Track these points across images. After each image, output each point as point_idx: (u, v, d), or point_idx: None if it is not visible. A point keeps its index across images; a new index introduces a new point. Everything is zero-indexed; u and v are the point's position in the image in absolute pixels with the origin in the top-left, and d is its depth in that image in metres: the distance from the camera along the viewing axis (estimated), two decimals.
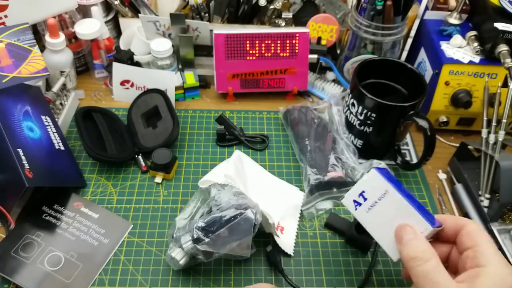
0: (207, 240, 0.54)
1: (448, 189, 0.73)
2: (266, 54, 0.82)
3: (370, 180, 0.54)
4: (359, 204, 0.55)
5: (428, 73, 0.80)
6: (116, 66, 0.81)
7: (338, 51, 0.91)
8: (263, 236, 0.62)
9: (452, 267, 0.50)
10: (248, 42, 0.80)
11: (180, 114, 0.82)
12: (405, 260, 0.47)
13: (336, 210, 0.69)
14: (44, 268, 0.59)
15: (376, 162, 0.72)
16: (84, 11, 0.84)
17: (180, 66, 0.87)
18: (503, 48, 0.72)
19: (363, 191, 0.55)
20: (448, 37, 0.80)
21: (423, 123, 0.65)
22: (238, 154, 0.70)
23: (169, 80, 0.80)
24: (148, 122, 0.77)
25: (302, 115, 0.78)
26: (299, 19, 0.90)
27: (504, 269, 0.44)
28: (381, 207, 0.53)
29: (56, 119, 0.74)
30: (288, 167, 0.74)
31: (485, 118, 0.71)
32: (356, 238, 0.63)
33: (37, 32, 0.81)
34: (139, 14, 0.84)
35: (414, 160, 0.77)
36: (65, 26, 0.82)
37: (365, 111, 0.70)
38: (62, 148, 0.70)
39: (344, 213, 0.68)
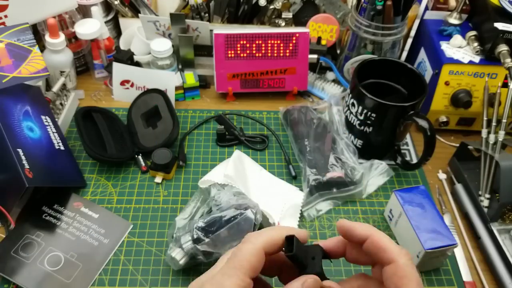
0: (207, 240, 0.54)
1: (448, 189, 0.73)
2: (266, 54, 0.82)
3: (392, 201, 0.65)
4: (390, 219, 0.66)
5: (428, 73, 0.80)
6: (116, 66, 0.81)
7: (338, 51, 0.91)
8: None
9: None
10: (248, 42, 0.80)
11: (180, 114, 0.82)
12: None
13: (336, 210, 0.69)
14: (44, 268, 0.59)
15: (376, 162, 0.72)
16: (84, 11, 0.84)
17: (180, 66, 0.87)
18: (503, 48, 0.72)
19: (391, 209, 0.66)
20: (448, 37, 0.80)
21: (423, 123, 0.65)
22: (238, 154, 0.70)
23: (169, 80, 0.80)
24: (148, 122, 0.77)
25: (302, 115, 0.77)
26: (299, 19, 0.90)
27: None
28: (400, 224, 0.63)
29: (56, 119, 0.74)
30: (288, 167, 0.74)
31: (485, 118, 0.71)
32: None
33: (37, 32, 0.81)
34: (139, 14, 0.84)
35: (414, 160, 0.76)
36: (65, 26, 0.82)
37: (365, 111, 0.70)
38: (62, 148, 0.70)
39: (344, 213, 0.68)
